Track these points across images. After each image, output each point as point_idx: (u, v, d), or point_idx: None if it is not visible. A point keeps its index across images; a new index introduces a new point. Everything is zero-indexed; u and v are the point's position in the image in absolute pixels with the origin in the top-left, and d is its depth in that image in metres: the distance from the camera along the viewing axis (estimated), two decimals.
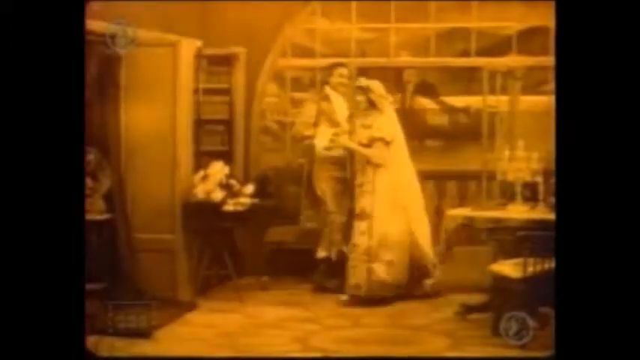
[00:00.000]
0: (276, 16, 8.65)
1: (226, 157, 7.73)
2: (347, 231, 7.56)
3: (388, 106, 7.46)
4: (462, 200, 8.63)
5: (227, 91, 8.27)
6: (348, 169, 7.79)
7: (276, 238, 7.73)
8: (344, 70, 7.99)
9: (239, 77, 8.41)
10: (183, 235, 7.09)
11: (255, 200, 7.29)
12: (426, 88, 9.07)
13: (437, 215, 8.16)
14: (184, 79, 7.23)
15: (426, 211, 7.58)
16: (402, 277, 7.26)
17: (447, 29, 8.88)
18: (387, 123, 7.36)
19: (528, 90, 8.80)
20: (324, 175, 7.78)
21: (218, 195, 7.15)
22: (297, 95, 9.22)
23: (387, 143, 7.28)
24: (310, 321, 6.71)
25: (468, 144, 8.80)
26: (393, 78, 9.14)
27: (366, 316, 6.90)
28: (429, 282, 7.39)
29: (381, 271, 7.19)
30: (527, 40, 8.72)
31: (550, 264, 5.57)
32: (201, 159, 7.69)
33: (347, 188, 7.77)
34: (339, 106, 7.90)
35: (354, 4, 8.91)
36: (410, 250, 7.30)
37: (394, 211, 7.27)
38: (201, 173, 7.27)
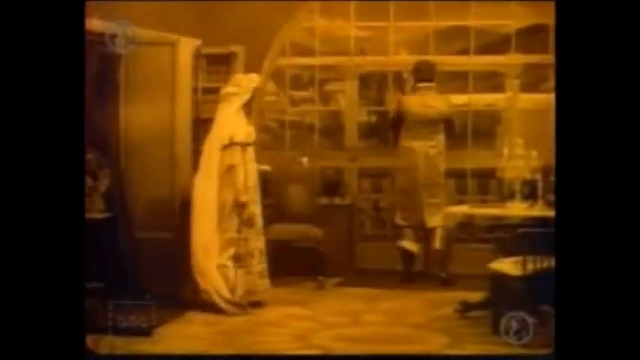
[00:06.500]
0: (275, 15, 8.64)
1: None
2: None
3: None
4: (462, 198, 8.64)
5: None
6: None
7: (277, 236, 7.73)
8: None
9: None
10: (183, 234, 7.09)
11: None
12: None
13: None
14: (183, 78, 7.24)
15: None
16: None
17: (446, 27, 8.89)
18: None
19: (528, 88, 8.80)
20: None
21: None
22: (297, 94, 9.25)
23: None
24: (310, 319, 6.72)
25: (466, 142, 8.81)
26: (392, 75, 9.15)
27: (365, 313, 6.92)
28: None
29: None
30: (526, 37, 8.73)
31: (550, 261, 5.57)
32: (200, 158, 7.69)
33: None
34: None
35: (352, 3, 8.91)
36: None
37: None
38: None
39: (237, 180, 6.89)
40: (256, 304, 6.97)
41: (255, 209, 7.05)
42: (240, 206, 6.92)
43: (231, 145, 6.90)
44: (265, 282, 7.11)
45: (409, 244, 8.20)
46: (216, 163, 6.90)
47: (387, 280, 8.03)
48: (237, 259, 6.91)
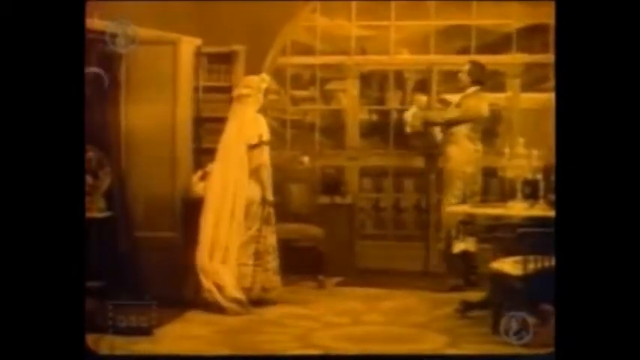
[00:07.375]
0: (276, 14, 8.65)
1: None
2: None
3: None
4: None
5: (227, 89, 8.25)
6: None
7: (278, 235, 7.72)
8: None
9: (239, 75, 8.39)
10: (184, 233, 7.09)
11: None
12: (425, 85, 9.07)
13: (437, 212, 8.20)
14: (184, 77, 7.24)
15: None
16: None
17: (446, 27, 8.89)
18: None
19: (528, 87, 8.81)
20: None
21: None
22: (298, 93, 9.25)
23: None
24: (310, 318, 6.72)
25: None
26: (393, 75, 9.15)
27: (365, 313, 6.91)
28: None
29: None
30: (527, 37, 8.73)
31: (550, 261, 5.57)
32: (201, 157, 7.70)
33: None
34: None
35: (353, 2, 8.92)
36: None
37: None
38: (199, 173, 7.33)
39: (266, 178, 7.10)
40: (257, 303, 6.97)
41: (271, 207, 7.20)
42: (268, 204, 7.09)
43: (260, 144, 7.07)
44: (278, 278, 7.20)
45: (472, 245, 7.77)
46: (244, 162, 7.03)
47: (387, 280, 8.03)
48: (257, 256, 7.05)
